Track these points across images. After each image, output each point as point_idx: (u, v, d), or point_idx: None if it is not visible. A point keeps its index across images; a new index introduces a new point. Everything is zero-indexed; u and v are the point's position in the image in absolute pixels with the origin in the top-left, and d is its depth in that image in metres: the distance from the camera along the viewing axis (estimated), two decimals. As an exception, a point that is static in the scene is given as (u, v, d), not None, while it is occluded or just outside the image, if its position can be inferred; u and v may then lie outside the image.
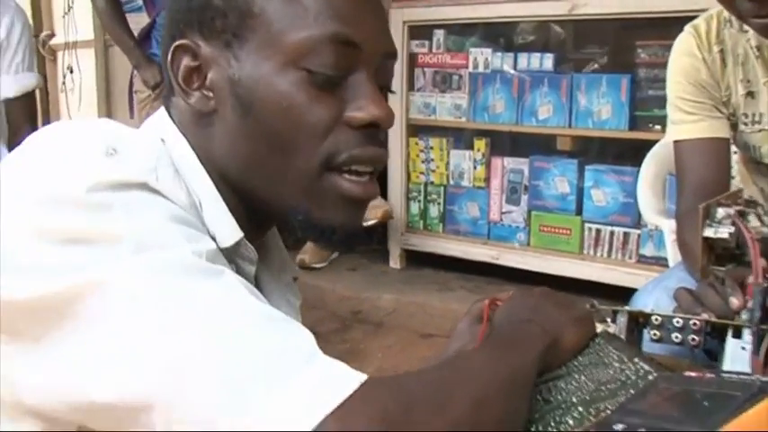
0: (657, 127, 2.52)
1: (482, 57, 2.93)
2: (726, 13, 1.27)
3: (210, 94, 0.67)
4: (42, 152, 0.59)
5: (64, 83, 3.92)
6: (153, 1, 2.85)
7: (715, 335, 0.84)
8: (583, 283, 2.73)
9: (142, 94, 2.90)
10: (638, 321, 0.89)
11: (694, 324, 0.84)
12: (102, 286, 0.51)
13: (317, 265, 3.25)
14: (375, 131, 0.66)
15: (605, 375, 0.73)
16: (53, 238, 0.53)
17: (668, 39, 2.45)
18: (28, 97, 2.25)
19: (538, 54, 2.80)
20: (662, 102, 2.50)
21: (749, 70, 1.26)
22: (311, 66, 0.64)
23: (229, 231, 0.66)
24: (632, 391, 0.68)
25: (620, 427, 0.53)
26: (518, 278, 2.91)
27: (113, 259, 0.52)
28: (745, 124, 1.29)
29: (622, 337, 0.88)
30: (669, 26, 2.46)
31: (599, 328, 0.93)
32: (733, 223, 0.71)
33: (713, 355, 0.87)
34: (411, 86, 3.12)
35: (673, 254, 1.51)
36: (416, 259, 3.25)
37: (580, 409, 0.67)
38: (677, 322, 0.85)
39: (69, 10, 4.00)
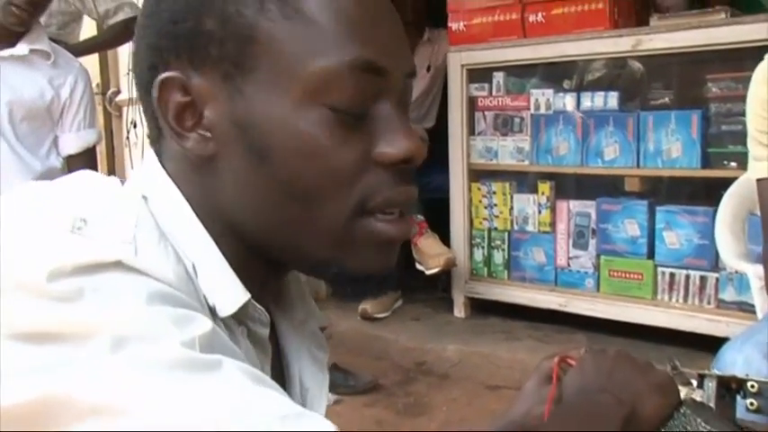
0: (733, 164, 2.39)
1: (543, 98, 2.85)
2: None
3: (208, 135, 0.57)
4: (1, 230, 0.50)
5: (128, 137, 4.00)
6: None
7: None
8: (658, 330, 2.59)
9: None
10: (730, 387, 0.79)
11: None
12: (74, 394, 0.44)
13: (380, 315, 3.18)
14: (407, 168, 0.58)
15: (695, 455, 0.64)
16: (19, 334, 0.46)
17: (740, 71, 2.38)
18: (89, 153, 2.29)
19: (602, 92, 2.71)
20: (736, 137, 2.40)
21: None
22: (334, 101, 0.55)
23: (233, 295, 0.57)
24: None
25: None
26: (588, 326, 2.78)
27: (86, 360, 0.45)
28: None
29: (711, 404, 0.78)
30: (741, 58, 2.36)
31: (683, 392, 0.83)
32: None
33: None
34: (471, 131, 3.06)
35: (761, 302, 1.38)
36: (481, 308, 3.15)
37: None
38: (778, 389, 0.75)
39: (134, 67, 4.10)
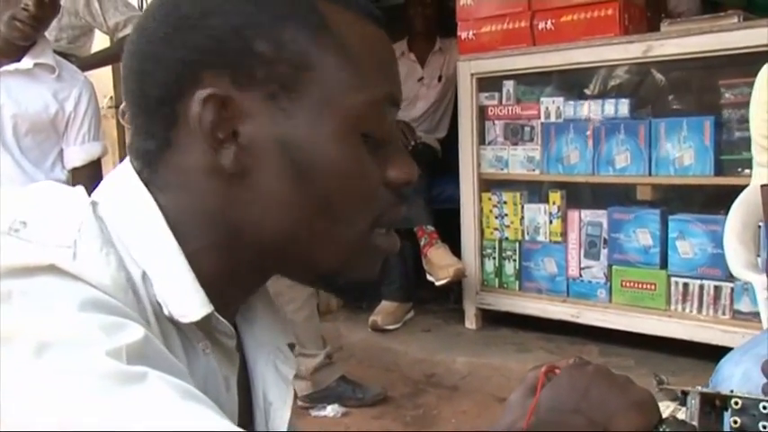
0: (747, 171, 2.32)
1: (554, 106, 2.82)
2: None
3: (247, 151, 0.59)
4: None
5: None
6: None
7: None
8: (672, 342, 2.53)
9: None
10: (715, 404, 0.75)
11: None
12: None
13: (391, 327, 3.16)
14: (405, 189, 0.65)
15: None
16: None
17: (754, 76, 2.30)
18: (94, 165, 2.29)
19: (612, 100, 2.67)
20: (750, 144, 2.34)
21: None
22: (369, 130, 0.61)
23: (195, 305, 0.57)
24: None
25: None
26: (600, 337, 2.73)
27: (7, 362, 0.44)
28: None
29: (694, 423, 0.74)
30: (754, 62, 2.29)
31: (669, 409, 0.79)
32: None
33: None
34: (482, 140, 3.03)
35: (767, 313, 1.33)
36: (493, 319, 3.11)
37: None
38: (764, 408, 0.70)
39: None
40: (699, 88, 2.57)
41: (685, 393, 0.77)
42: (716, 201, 2.46)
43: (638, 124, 2.58)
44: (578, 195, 2.85)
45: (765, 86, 1.18)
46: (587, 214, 2.76)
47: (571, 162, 2.76)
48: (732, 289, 2.43)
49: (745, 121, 2.33)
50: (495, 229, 3.02)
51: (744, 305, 2.41)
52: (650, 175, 2.56)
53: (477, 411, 2.58)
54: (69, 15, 2.88)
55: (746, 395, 0.72)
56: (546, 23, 2.76)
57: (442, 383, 2.82)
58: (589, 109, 2.72)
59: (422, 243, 3.02)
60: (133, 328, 0.48)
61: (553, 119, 2.81)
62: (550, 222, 2.86)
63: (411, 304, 3.29)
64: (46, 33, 2.25)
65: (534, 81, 2.94)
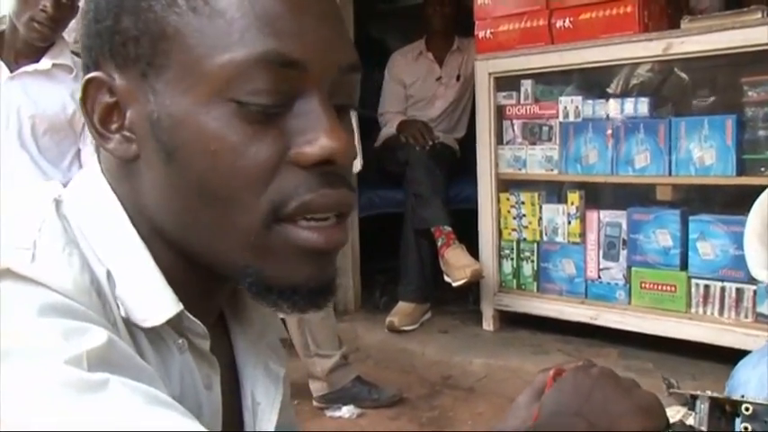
0: (769, 171, 2.29)
1: (572, 105, 2.78)
2: None
3: (132, 136, 0.55)
4: None
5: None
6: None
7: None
8: (692, 345, 2.49)
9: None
10: (725, 410, 0.73)
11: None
12: None
13: (408, 328, 3.14)
14: (332, 169, 0.54)
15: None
16: None
17: (777, 73, 2.28)
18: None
19: (632, 99, 2.63)
20: (773, 143, 2.30)
21: None
22: (241, 96, 0.52)
23: (159, 306, 0.55)
24: None
25: None
26: (619, 339, 2.70)
27: None
28: None
29: (703, 428, 0.72)
30: (777, 60, 2.26)
31: (678, 414, 0.77)
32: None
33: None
34: (500, 140, 3.00)
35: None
36: (511, 320, 3.08)
37: None
38: (774, 413, 0.68)
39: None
40: (720, 86, 2.52)
41: (695, 398, 0.74)
42: (738, 201, 2.40)
43: (659, 123, 2.54)
44: (597, 195, 2.81)
45: None
46: (606, 215, 2.72)
47: (590, 162, 2.73)
48: (755, 291, 2.38)
49: (768, 119, 2.29)
50: (513, 229, 2.99)
51: (766, 308, 2.36)
52: (670, 175, 2.52)
53: (493, 413, 2.55)
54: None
55: (758, 401, 0.70)
56: (564, 22, 2.73)
57: (459, 385, 2.80)
58: (608, 108, 2.68)
59: (439, 243, 3.00)
60: (95, 333, 0.46)
61: (572, 118, 2.78)
62: (569, 223, 2.82)
63: (428, 305, 3.27)
64: (64, 34, 2.26)
65: (552, 80, 2.90)
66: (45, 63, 2.19)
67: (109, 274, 0.53)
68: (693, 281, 2.50)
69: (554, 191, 2.94)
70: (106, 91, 0.55)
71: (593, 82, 2.80)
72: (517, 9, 2.87)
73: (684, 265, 2.52)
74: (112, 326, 0.51)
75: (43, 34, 2.13)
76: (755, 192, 2.34)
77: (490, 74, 2.95)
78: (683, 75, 2.59)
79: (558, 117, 2.82)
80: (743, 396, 0.71)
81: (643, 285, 2.62)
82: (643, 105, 2.59)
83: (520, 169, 2.95)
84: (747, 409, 0.69)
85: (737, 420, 0.73)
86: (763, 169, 2.32)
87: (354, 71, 0.57)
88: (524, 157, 2.92)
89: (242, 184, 0.52)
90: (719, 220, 2.43)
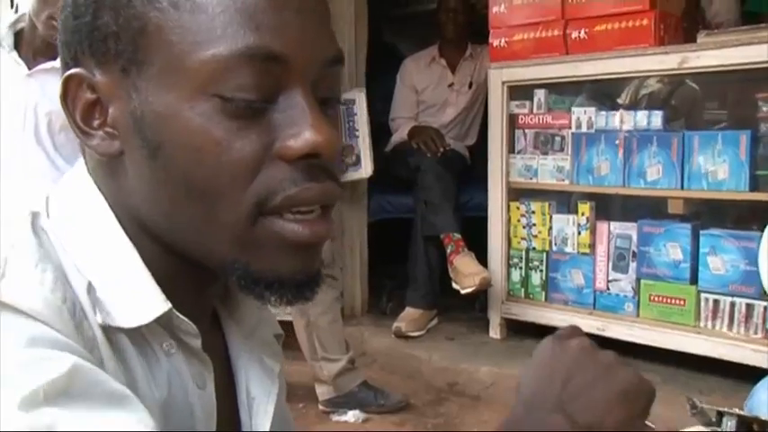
0: (783, 187, 2.29)
1: (585, 116, 2.78)
2: None
3: (115, 133, 0.55)
4: None
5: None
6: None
7: None
8: (700, 359, 2.49)
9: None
10: (752, 428, 0.73)
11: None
12: None
13: (414, 334, 3.14)
14: (317, 162, 0.54)
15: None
16: None
17: (792, 90, 2.27)
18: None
19: (645, 111, 2.62)
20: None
21: None
22: (224, 91, 0.52)
23: (149, 304, 0.54)
24: None
25: None
26: (627, 352, 2.68)
27: None
28: None
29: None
30: (793, 76, 2.26)
31: (699, 432, 0.77)
32: None
33: None
34: (511, 148, 3.00)
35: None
36: (518, 329, 3.08)
37: None
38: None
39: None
40: (735, 101, 2.52)
41: (721, 414, 0.75)
42: (750, 217, 2.41)
43: (672, 136, 2.54)
44: (608, 207, 2.81)
45: None
46: (617, 226, 2.72)
47: (601, 173, 2.73)
48: (765, 308, 2.38)
49: (783, 135, 2.29)
50: (523, 238, 3.00)
51: (776, 324, 2.36)
52: (682, 188, 2.51)
53: (496, 422, 2.56)
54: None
55: (782, 422, 0.70)
56: (579, 32, 2.73)
57: (465, 392, 2.80)
58: (621, 120, 2.68)
59: (448, 250, 3.01)
60: (58, 361, 0.45)
61: (584, 129, 2.78)
62: (579, 233, 2.82)
63: (435, 312, 3.28)
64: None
65: (566, 90, 2.91)
66: (62, 61, 2.20)
67: (90, 285, 0.53)
68: (703, 295, 2.50)
69: (565, 201, 2.94)
70: (87, 87, 0.55)
71: (607, 93, 2.80)
72: (532, 19, 2.87)
73: (694, 279, 2.52)
74: (90, 342, 0.50)
75: (62, 32, 2.14)
76: (766, 207, 2.35)
77: (503, 82, 2.95)
78: (698, 88, 2.59)
79: (570, 127, 2.82)
80: None
81: (652, 298, 2.62)
82: (656, 118, 2.59)
83: (531, 178, 2.95)
84: (773, 431, 0.70)
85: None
86: (775, 186, 2.32)
87: (337, 64, 0.58)
88: (536, 167, 2.92)
89: (227, 179, 0.52)
90: (731, 235, 2.43)
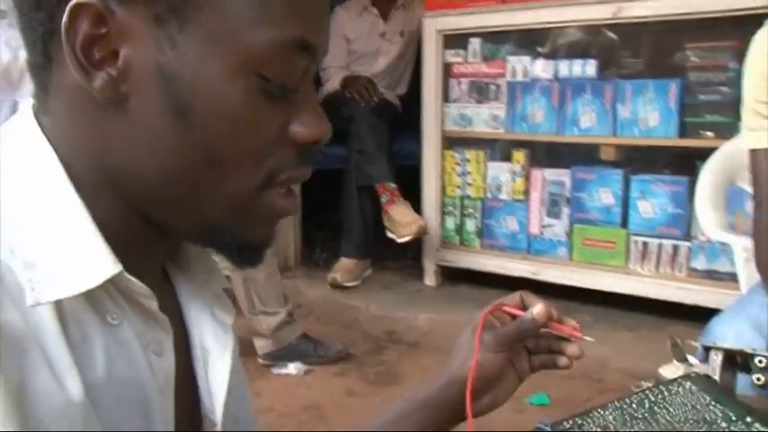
0: (709, 134, 2.39)
1: (520, 65, 2.81)
2: None
3: (125, 77, 0.52)
4: None
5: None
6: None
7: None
8: (630, 298, 2.60)
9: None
10: (735, 361, 0.77)
11: (810, 369, 0.71)
12: None
13: (350, 284, 3.15)
14: (312, 149, 0.57)
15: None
16: None
17: (721, 40, 2.36)
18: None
19: (579, 60, 2.68)
20: (714, 107, 2.39)
21: None
22: (269, 73, 0.52)
23: (97, 268, 0.52)
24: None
25: None
26: (560, 294, 2.78)
27: None
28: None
29: (716, 377, 0.76)
30: (721, 26, 2.34)
31: (679, 369, 0.81)
32: None
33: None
34: (446, 98, 3.01)
35: (746, 275, 1.37)
36: (452, 276, 3.14)
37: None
38: (786, 365, 0.73)
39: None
40: (666, 51, 2.59)
41: (707, 349, 0.78)
42: (678, 162, 2.52)
43: (605, 85, 2.60)
44: (542, 154, 2.88)
45: (761, 53, 1.19)
46: (550, 173, 2.79)
47: (536, 121, 2.78)
48: (689, 248, 2.50)
49: (710, 84, 2.38)
50: (458, 186, 3.03)
51: (699, 263, 2.49)
52: (615, 135, 2.60)
53: (438, 367, 2.60)
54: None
55: (769, 354, 0.74)
56: (515, -20, 2.74)
57: (404, 340, 2.84)
58: (556, 69, 2.73)
59: (383, 200, 3.01)
60: None
61: (519, 78, 2.82)
62: (513, 181, 2.88)
63: (370, 261, 3.29)
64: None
65: (501, 39, 2.92)
66: (-23, 6, 2.06)
67: (12, 251, 0.49)
68: (633, 238, 2.61)
69: (499, 149, 2.98)
70: (98, 21, 0.50)
71: (542, 42, 2.84)
72: (468, -34, 2.86)
73: (625, 223, 2.62)
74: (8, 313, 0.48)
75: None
76: (695, 154, 2.45)
77: (438, 31, 2.94)
78: (631, 38, 2.66)
79: (505, 76, 2.85)
80: (755, 349, 0.75)
81: (584, 242, 2.71)
82: (590, 67, 2.64)
83: (465, 127, 2.97)
84: (761, 362, 0.73)
85: (740, 374, 0.77)
86: (703, 132, 2.42)
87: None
88: (470, 116, 2.95)
89: (250, 153, 0.54)
90: (660, 180, 2.53)
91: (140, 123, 0.52)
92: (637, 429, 0.67)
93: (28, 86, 2.15)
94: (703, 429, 0.64)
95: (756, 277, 1.30)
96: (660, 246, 2.55)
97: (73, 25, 0.50)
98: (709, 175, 1.72)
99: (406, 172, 3.16)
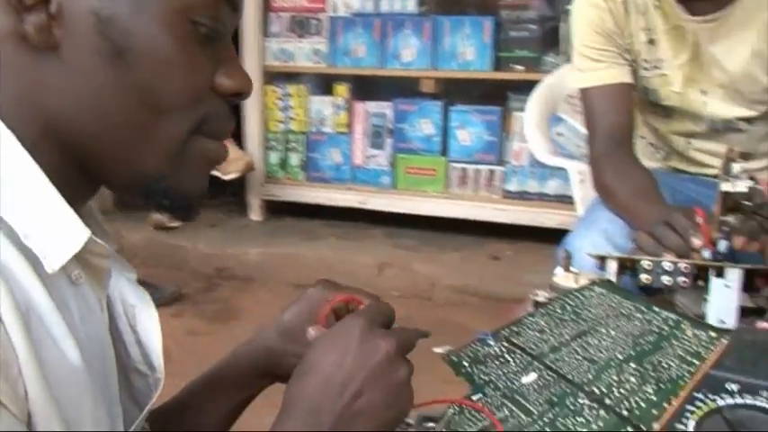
0: (519, 67, 2.61)
1: (342, 0, 2.86)
2: None
3: (57, 22, 0.51)
4: None
5: None
6: None
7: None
8: (452, 221, 2.82)
9: None
10: (625, 266, 0.92)
11: (685, 267, 0.88)
12: None
13: (174, 224, 3.09)
14: (234, 101, 0.58)
15: (634, 327, 0.75)
16: None
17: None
18: None
19: (401, -5, 2.78)
20: (524, 42, 2.61)
21: (649, 19, 1.32)
22: (202, 18, 0.54)
23: (73, 230, 0.52)
24: (675, 342, 0.70)
25: (734, 386, 0.54)
26: (386, 221, 2.95)
27: None
28: (646, 69, 1.36)
29: (613, 280, 0.91)
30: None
31: (581, 279, 0.94)
32: (751, 178, 0.74)
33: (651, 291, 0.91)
34: (265, 32, 2.98)
35: (581, 195, 1.57)
36: (277, 210, 3.19)
37: (632, 365, 0.68)
38: (668, 266, 0.89)
39: None
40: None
41: (603, 258, 0.93)
42: (492, 93, 2.73)
43: (424, 21, 2.73)
44: (364, 88, 2.97)
45: (586, 4, 1.34)
46: (373, 106, 2.90)
47: (358, 55, 2.85)
48: (503, 172, 2.75)
49: (520, 21, 2.59)
50: (280, 121, 3.05)
51: (512, 186, 2.75)
52: (434, 69, 2.75)
53: (274, 300, 2.66)
54: None
55: (654, 259, 0.90)
56: None
57: (236, 276, 2.86)
58: (377, 4, 2.81)
59: (205, 137, 2.96)
60: None
61: (341, 12, 2.86)
62: (336, 114, 2.96)
63: (190, 200, 3.23)
64: None
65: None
66: None
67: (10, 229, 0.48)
68: (452, 165, 2.81)
69: (322, 83, 3.03)
70: None
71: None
72: None
73: (445, 151, 2.81)
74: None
75: None
76: (507, 85, 2.68)
77: (255, -37, 2.89)
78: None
79: (326, 11, 2.88)
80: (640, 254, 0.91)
81: (407, 170, 2.87)
82: (410, 3, 2.76)
83: (287, 62, 2.98)
84: (649, 265, 0.89)
85: (626, 277, 0.93)
86: (513, 66, 2.64)
87: None
88: (292, 50, 2.96)
89: (182, 97, 0.54)
90: (476, 110, 2.74)
91: (77, 68, 0.51)
92: (570, 329, 0.78)
93: None
94: (622, 323, 0.77)
95: (589, 196, 1.51)
96: (477, 171, 2.78)
97: None
98: (535, 106, 1.90)
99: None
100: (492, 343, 0.79)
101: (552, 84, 1.93)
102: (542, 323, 0.81)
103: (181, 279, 2.80)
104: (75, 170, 0.54)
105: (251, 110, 3.04)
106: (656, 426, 0.59)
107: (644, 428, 0.59)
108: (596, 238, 1.25)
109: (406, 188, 2.89)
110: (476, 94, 2.81)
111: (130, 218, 3.23)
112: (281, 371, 0.73)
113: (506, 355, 0.75)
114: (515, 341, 0.78)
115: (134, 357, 0.62)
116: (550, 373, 0.69)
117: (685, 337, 0.71)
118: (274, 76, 3.05)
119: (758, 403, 0.53)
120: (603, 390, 0.66)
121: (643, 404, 0.62)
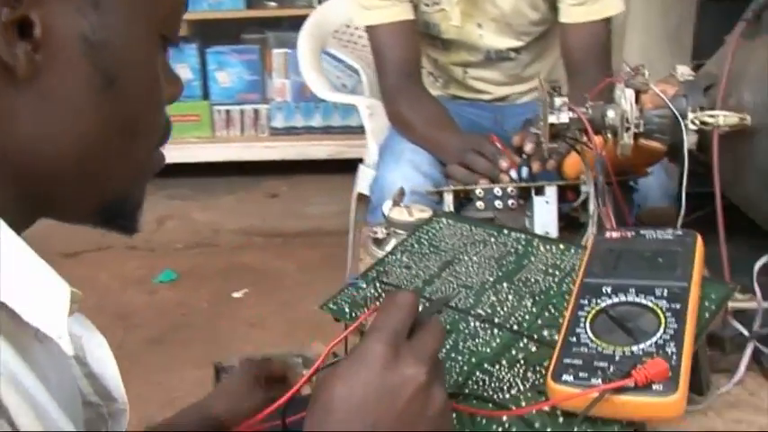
0: (273, 4, 2.61)
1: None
2: None
3: (39, 46, 0.46)
4: None
5: None
6: None
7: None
8: (223, 164, 2.80)
9: None
10: (459, 196, 1.02)
11: (511, 190, 1.00)
12: None
13: None
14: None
15: (493, 251, 0.84)
16: None
17: None
18: None
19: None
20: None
21: None
22: (168, 32, 0.52)
23: (58, 287, 0.47)
24: (534, 259, 0.81)
25: (608, 289, 0.66)
26: (155, 174, 2.83)
27: None
28: (426, 5, 1.46)
29: (452, 210, 1.01)
30: None
31: (425, 213, 1.02)
32: (570, 109, 0.86)
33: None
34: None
35: (372, 127, 1.65)
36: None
37: (505, 285, 0.78)
38: (497, 192, 1.00)
39: None
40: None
41: (441, 193, 1.03)
42: (249, 31, 2.70)
43: (167, -41, 2.60)
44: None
45: None
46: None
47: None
48: (268, 110, 2.77)
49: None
50: None
51: (278, 122, 2.78)
52: (186, 11, 2.64)
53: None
54: None
55: (487, 186, 1.02)
56: None
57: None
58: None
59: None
60: None
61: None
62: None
63: None
64: None
65: None
66: None
67: None
68: (215, 108, 2.77)
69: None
70: None
71: None
72: None
73: (206, 95, 2.76)
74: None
75: None
76: (262, 23, 2.67)
77: None
78: None
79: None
80: (467, 185, 1.02)
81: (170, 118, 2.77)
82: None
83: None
84: (480, 193, 1.00)
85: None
86: (266, 2, 2.63)
87: None
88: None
89: (157, 114, 0.53)
90: (234, 51, 2.70)
91: (57, 97, 0.47)
92: (434, 261, 0.86)
93: None
94: (480, 249, 0.86)
95: (380, 129, 1.60)
96: (242, 111, 2.77)
97: None
98: (306, 44, 1.93)
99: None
100: (364, 286, 0.84)
101: (319, 20, 1.97)
102: (405, 260, 0.86)
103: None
104: (22, 201, 0.48)
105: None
106: (545, 333, 0.70)
107: (536, 337, 0.70)
108: (406, 170, 1.35)
109: (172, 137, 2.78)
110: (232, 34, 2.76)
111: None
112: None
113: (385, 295, 0.79)
114: (387, 280, 0.84)
115: (83, 390, 0.57)
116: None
117: (540, 253, 0.82)
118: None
119: (630, 299, 0.65)
120: (488, 311, 0.75)
121: (528, 317, 0.72)
